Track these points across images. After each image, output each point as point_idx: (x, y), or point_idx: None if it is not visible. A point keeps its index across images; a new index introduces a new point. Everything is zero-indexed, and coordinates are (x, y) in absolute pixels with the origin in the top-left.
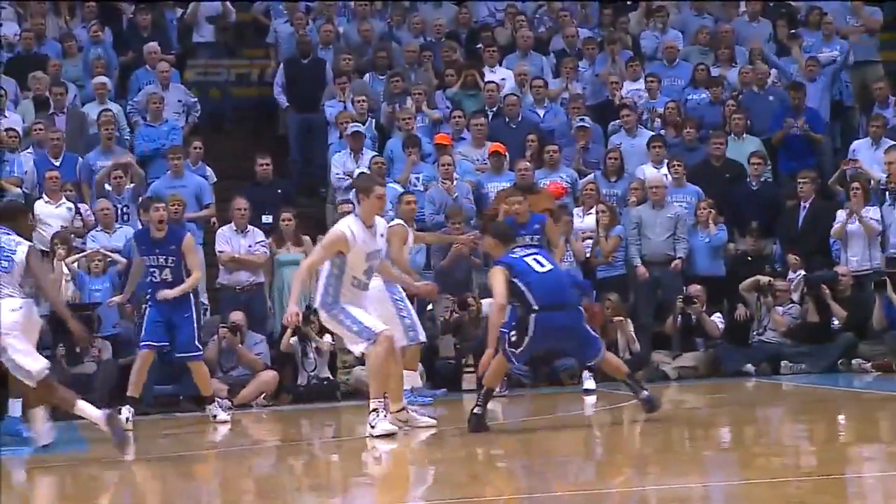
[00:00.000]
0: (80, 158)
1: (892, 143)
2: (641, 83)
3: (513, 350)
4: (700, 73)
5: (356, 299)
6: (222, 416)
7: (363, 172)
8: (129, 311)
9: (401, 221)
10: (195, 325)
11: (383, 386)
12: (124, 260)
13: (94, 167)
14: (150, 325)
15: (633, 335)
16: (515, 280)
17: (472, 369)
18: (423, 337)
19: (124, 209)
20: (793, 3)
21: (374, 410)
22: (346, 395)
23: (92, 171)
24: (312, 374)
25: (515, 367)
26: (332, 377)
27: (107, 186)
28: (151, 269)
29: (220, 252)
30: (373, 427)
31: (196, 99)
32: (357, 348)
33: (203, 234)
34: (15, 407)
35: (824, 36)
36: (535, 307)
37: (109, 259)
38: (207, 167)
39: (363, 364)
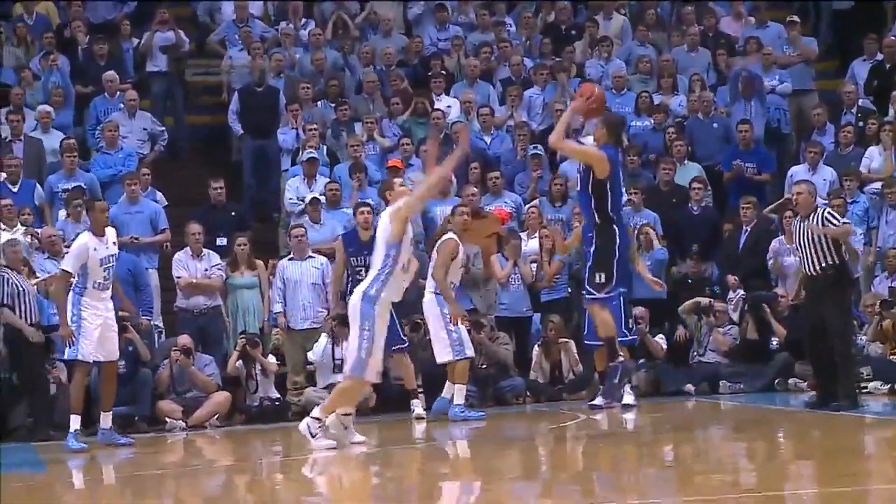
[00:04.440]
0: (38, 185)
1: (829, 168)
2: None
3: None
4: (643, 100)
5: (399, 289)
6: (419, 410)
7: None
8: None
9: (454, 236)
10: (398, 318)
11: (337, 406)
12: None
13: (56, 189)
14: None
15: (577, 357)
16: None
17: (421, 390)
18: (470, 352)
19: None
20: (731, 33)
21: (317, 418)
22: (298, 416)
23: (54, 194)
24: (258, 394)
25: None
26: (282, 398)
27: (62, 214)
28: (357, 269)
29: (177, 277)
30: (313, 436)
31: (164, 128)
32: (347, 362)
33: (158, 258)
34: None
35: (763, 66)
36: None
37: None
38: (158, 192)
39: (315, 385)
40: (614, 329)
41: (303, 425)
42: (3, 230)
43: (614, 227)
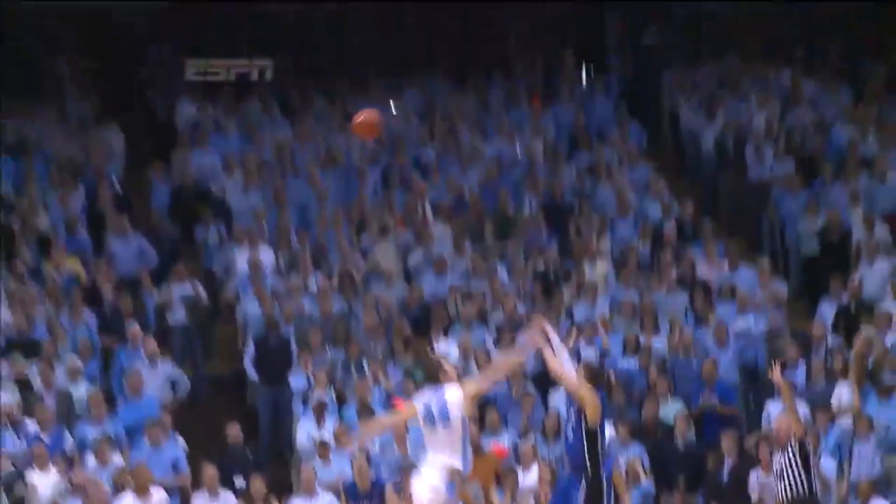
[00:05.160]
0: (68, 431)
1: (802, 402)
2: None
3: None
4: (631, 341)
5: None
6: None
7: None
8: None
9: None
10: None
11: None
12: None
13: (86, 437)
14: None
15: None
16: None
17: None
18: None
19: (110, 484)
20: (706, 277)
21: None
22: None
23: (83, 442)
24: None
25: None
26: None
27: (91, 460)
28: None
29: None
30: None
31: (182, 373)
32: None
33: (179, 501)
34: None
35: (738, 307)
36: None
37: None
38: (178, 437)
39: None
40: None
41: None
42: (38, 473)
43: (604, 481)
